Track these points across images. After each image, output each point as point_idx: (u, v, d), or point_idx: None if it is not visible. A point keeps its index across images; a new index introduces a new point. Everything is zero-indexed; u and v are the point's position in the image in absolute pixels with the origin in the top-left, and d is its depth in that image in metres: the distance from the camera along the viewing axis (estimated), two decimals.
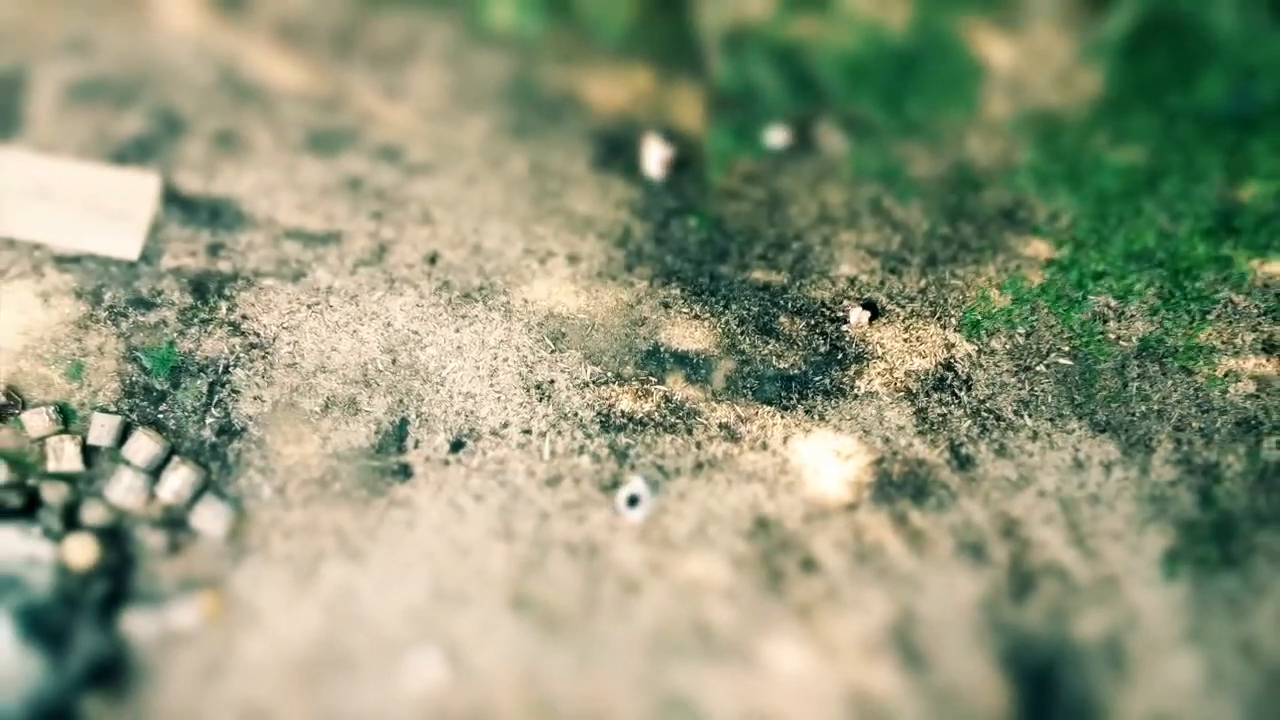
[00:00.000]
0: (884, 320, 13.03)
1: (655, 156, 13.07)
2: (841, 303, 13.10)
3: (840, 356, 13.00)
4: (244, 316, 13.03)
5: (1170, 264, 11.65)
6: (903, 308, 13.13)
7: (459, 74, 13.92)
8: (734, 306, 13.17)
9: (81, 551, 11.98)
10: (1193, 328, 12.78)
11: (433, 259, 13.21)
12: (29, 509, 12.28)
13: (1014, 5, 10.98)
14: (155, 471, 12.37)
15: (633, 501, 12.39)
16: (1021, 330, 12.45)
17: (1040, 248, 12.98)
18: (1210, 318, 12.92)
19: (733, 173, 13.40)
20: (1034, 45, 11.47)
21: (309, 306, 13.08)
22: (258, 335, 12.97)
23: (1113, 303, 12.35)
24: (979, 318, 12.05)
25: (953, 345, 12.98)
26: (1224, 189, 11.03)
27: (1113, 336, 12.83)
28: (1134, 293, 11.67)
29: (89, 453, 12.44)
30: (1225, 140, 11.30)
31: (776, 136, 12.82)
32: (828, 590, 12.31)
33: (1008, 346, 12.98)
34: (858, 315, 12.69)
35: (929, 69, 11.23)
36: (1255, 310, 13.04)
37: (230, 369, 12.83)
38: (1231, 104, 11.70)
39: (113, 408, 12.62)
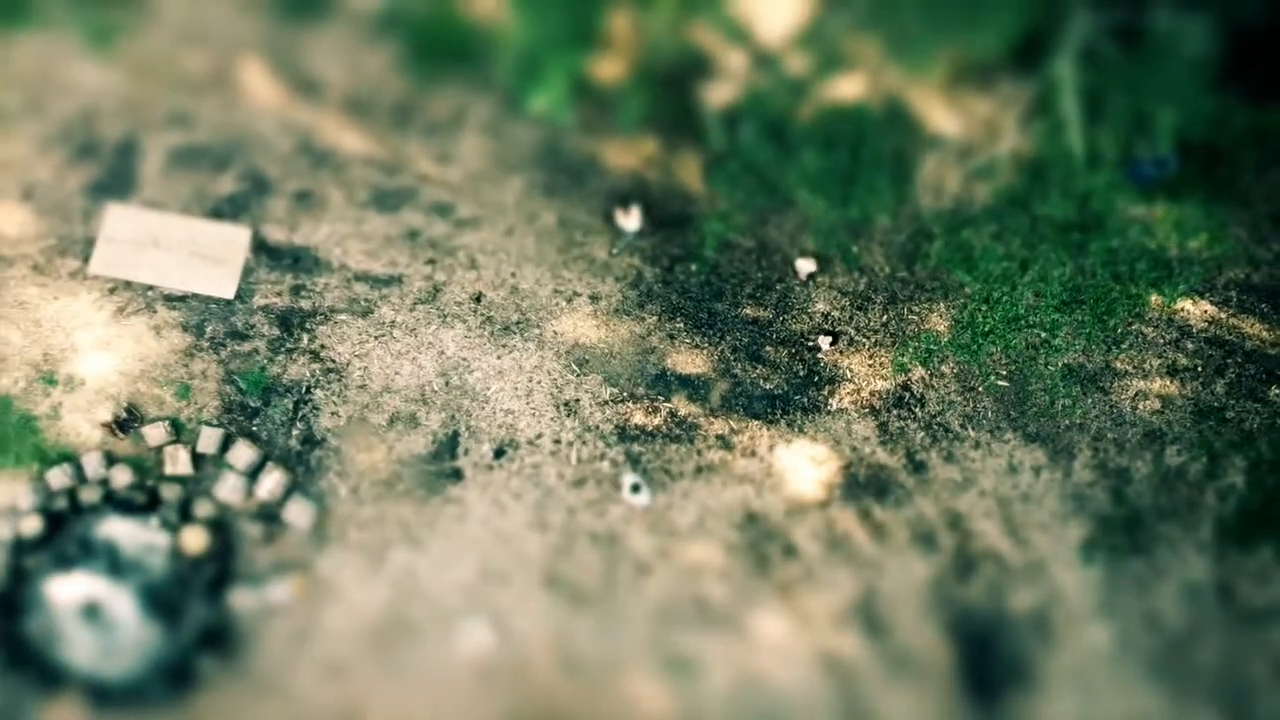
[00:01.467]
0: (850, 347, 15.66)
1: (632, 219, 15.69)
2: (817, 335, 15.74)
3: (816, 379, 15.65)
4: (322, 346, 15.67)
5: (1038, 328, 14.60)
6: (868, 339, 15.78)
7: (499, 142, 16.58)
8: (728, 338, 15.84)
9: (195, 540, 14.62)
10: (1109, 356, 15.44)
11: (478, 298, 15.87)
12: (150, 505, 14.90)
13: (930, 137, 13.90)
14: (252, 474, 14.99)
15: (635, 488, 15.00)
16: (962, 360, 15.07)
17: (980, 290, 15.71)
18: (1124, 347, 15.57)
19: (727, 227, 16.10)
20: (942, 162, 14.26)
21: (376, 338, 15.73)
22: (334, 362, 15.61)
23: (1042, 337, 15.01)
24: (909, 356, 14.74)
25: (909, 370, 15.63)
26: (1074, 274, 13.96)
27: (1042, 363, 15.48)
28: (1011, 346, 14.44)
29: (197, 459, 15.06)
30: (1072, 240, 14.28)
31: (806, 266, 15.49)
32: (805, 572, 14.92)
33: (955, 370, 15.63)
34: (825, 342, 15.33)
35: (865, 181, 14.01)
36: (1161, 340, 15.70)
37: (312, 390, 15.47)
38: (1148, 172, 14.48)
39: (215, 422, 15.25)
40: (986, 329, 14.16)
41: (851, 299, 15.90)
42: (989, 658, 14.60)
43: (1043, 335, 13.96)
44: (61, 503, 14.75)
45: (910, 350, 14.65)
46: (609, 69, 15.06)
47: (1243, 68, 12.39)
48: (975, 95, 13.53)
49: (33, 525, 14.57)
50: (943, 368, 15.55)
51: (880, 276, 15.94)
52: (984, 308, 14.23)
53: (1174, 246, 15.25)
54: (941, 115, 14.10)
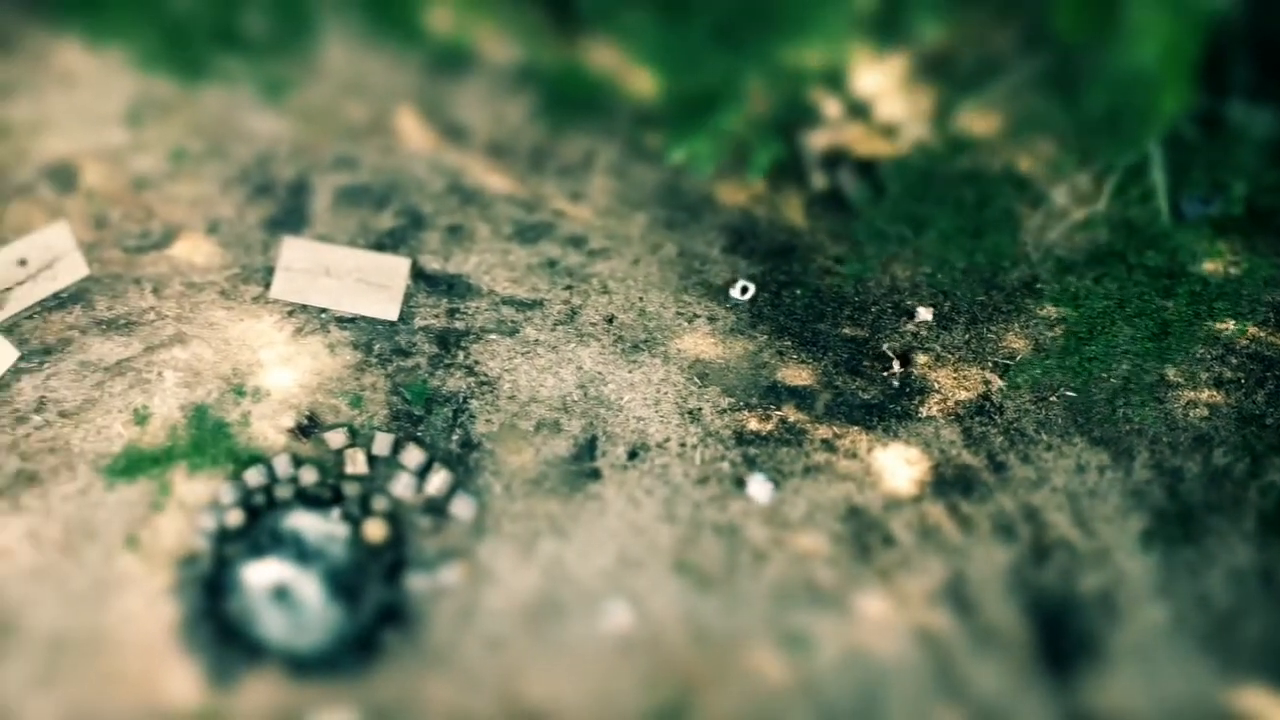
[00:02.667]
0: (937, 362, 17.87)
1: (742, 289, 17.93)
2: (910, 351, 17.99)
3: (908, 390, 17.88)
4: (476, 362, 17.92)
5: (1133, 354, 16.95)
6: (952, 355, 18.01)
7: (624, 182, 18.84)
8: (830, 354, 18.07)
9: (377, 530, 16.84)
10: (1164, 370, 17.66)
11: (610, 319, 18.11)
12: (333, 501, 17.12)
13: (1043, 195, 16.36)
14: (421, 474, 17.23)
15: (771, 482, 17.16)
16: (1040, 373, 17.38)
17: (1051, 311, 17.97)
18: (1177, 362, 17.79)
19: (827, 255, 18.36)
20: (1048, 218, 16.71)
21: (522, 354, 17.97)
22: (486, 375, 17.86)
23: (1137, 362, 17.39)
24: (1022, 376, 17.13)
25: (989, 382, 17.86)
26: (1161, 312, 16.41)
27: (1105, 376, 17.70)
28: (1112, 369, 16.77)
29: (372, 460, 17.29)
30: (1162, 284, 16.72)
31: (924, 314, 17.84)
32: (901, 558, 17.12)
33: (1029, 382, 17.84)
34: (895, 364, 17.62)
35: (990, 235, 16.38)
36: (1209, 356, 17.91)
37: (468, 400, 17.71)
38: (1190, 211, 16.81)
39: (384, 428, 17.50)
40: (1090, 355, 16.50)
41: (938, 320, 18.14)
42: (1062, 633, 16.65)
43: (1138, 361, 16.32)
44: (259, 498, 16.98)
45: (1023, 371, 16.99)
46: (736, 124, 17.25)
47: None
48: (1078, 165, 15.90)
49: (236, 518, 16.81)
50: (1017, 378, 17.78)
51: (963, 301, 18.18)
52: (1088, 337, 16.58)
53: (1221, 274, 17.49)
54: (1049, 180, 16.60)
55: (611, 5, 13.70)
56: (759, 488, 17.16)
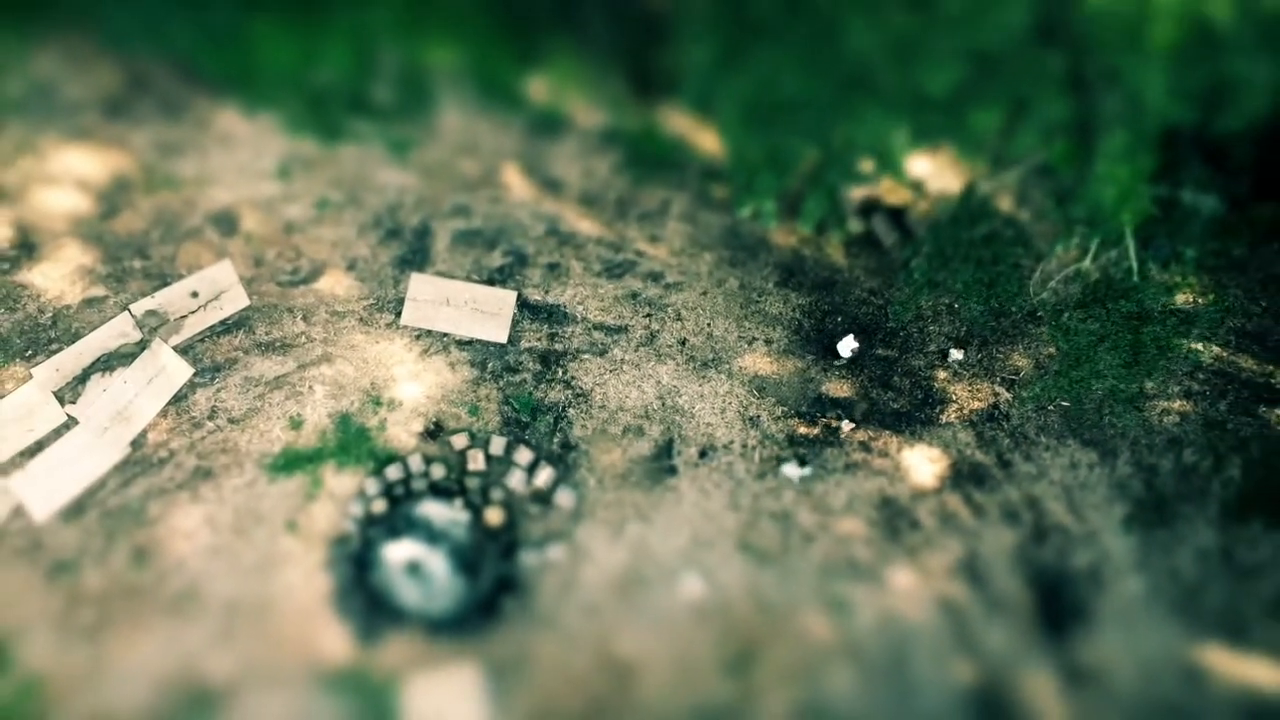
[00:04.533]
0: (955, 378, 21.53)
1: (848, 345, 21.61)
2: (933, 368, 21.64)
3: (930, 401, 21.54)
4: (572, 378, 21.56)
5: (1110, 376, 20.68)
6: (967, 371, 21.69)
7: (694, 227, 22.49)
8: (866, 370, 21.72)
9: (496, 516, 20.49)
10: (1141, 383, 21.33)
11: (683, 342, 21.77)
12: (458, 492, 20.75)
13: (1042, 253, 20.30)
14: (530, 470, 20.87)
15: (802, 462, 20.79)
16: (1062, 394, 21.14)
17: (1049, 339, 21.66)
18: (1154, 376, 21.45)
19: (864, 288, 22.03)
20: (1045, 270, 20.52)
21: (611, 371, 21.62)
22: (581, 389, 21.50)
23: (1111, 381, 21.07)
24: (1032, 392, 20.88)
25: (998, 394, 21.53)
26: (1134, 344, 20.23)
27: (1094, 388, 21.36)
28: (1092, 387, 20.51)
29: (489, 459, 20.91)
30: (1132, 324, 20.55)
31: (956, 354, 21.42)
32: (925, 539, 20.73)
33: (1031, 394, 21.50)
34: (846, 425, 21.26)
35: (1001, 285, 20.18)
36: (1180, 372, 21.56)
37: (566, 409, 21.36)
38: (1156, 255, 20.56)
39: (498, 432, 21.12)
40: (1078, 377, 20.26)
41: (955, 343, 21.82)
42: (1058, 601, 20.09)
43: (1115, 381, 20.08)
44: (399, 490, 20.63)
45: (1033, 390, 20.76)
46: (793, 184, 20.91)
47: (1240, 208, 18.44)
48: (1068, 234, 19.72)
49: (380, 506, 20.47)
50: (1024, 393, 21.47)
51: (975, 326, 21.86)
52: (1076, 363, 20.34)
53: (1190, 305, 21.21)
54: (1047, 242, 20.44)
55: (706, 97, 17.28)
56: (791, 470, 20.79)
